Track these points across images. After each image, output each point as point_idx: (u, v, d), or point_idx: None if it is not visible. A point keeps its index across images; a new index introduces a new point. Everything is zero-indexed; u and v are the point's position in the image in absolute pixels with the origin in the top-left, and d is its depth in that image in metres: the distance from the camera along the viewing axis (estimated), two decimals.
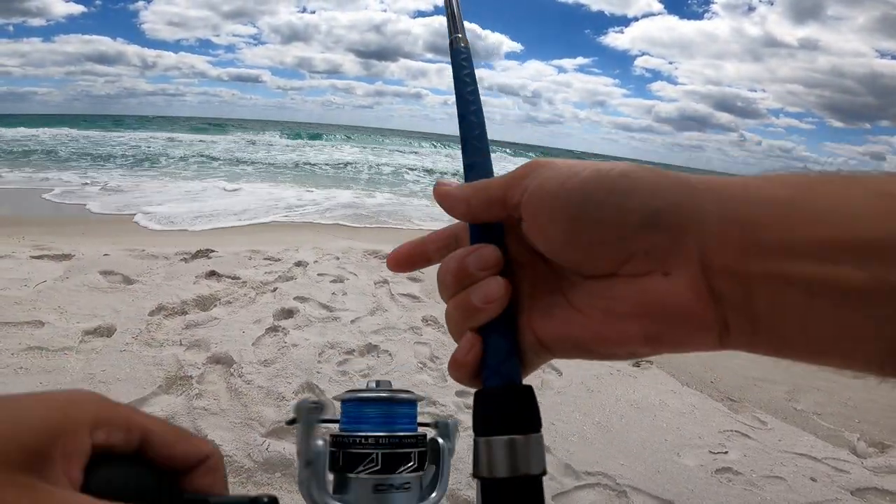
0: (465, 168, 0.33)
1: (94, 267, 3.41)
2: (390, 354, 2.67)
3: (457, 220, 0.33)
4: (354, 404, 0.39)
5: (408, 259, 0.35)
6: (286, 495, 1.71)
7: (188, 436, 0.32)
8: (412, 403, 0.40)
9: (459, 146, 0.34)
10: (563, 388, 2.66)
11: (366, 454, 0.37)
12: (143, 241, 4.54)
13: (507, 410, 0.29)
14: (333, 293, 3.35)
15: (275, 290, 3.32)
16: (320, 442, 0.38)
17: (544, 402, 2.55)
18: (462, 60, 0.36)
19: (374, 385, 0.40)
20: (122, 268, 3.43)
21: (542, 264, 0.31)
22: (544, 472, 0.28)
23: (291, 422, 0.38)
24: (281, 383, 2.30)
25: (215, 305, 3.02)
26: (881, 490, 2.10)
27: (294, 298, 3.18)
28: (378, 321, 3.02)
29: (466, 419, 2.32)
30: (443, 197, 0.32)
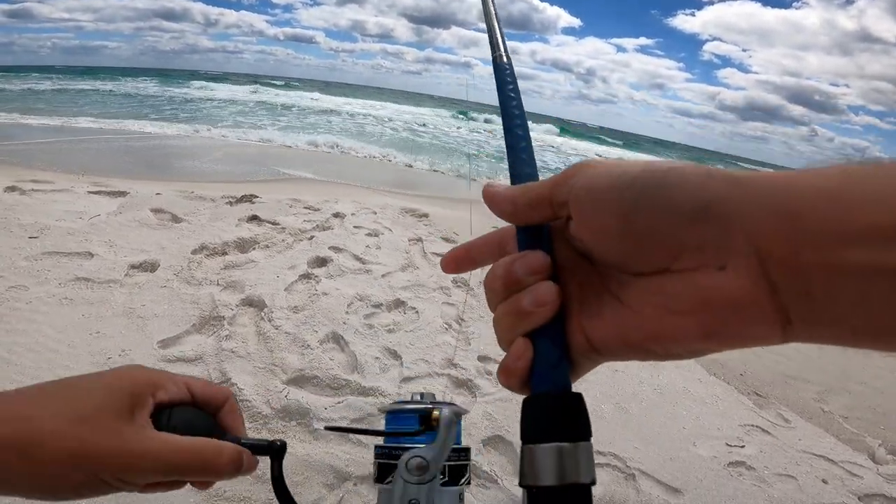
0: (511, 177, 0.34)
1: (145, 204, 3.56)
2: (417, 312, 2.69)
3: (505, 224, 0.34)
4: (394, 415, 0.43)
5: (456, 261, 0.36)
6: (298, 444, 1.78)
7: (212, 384, 0.45)
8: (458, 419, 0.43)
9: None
10: None
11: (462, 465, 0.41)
12: (203, 187, 4.70)
13: (555, 417, 0.28)
14: (367, 246, 3.38)
15: (311, 238, 3.38)
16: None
17: None
18: (506, 76, 0.36)
19: (418, 398, 0.42)
20: (171, 206, 3.57)
21: (588, 266, 0.31)
22: (594, 482, 0.27)
23: (329, 428, 0.52)
24: (308, 331, 2.36)
25: (254, 248, 3.11)
26: (889, 498, 2.03)
27: (329, 248, 3.23)
28: (408, 277, 3.04)
29: (486, 385, 2.30)
30: (490, 197, 0.32)
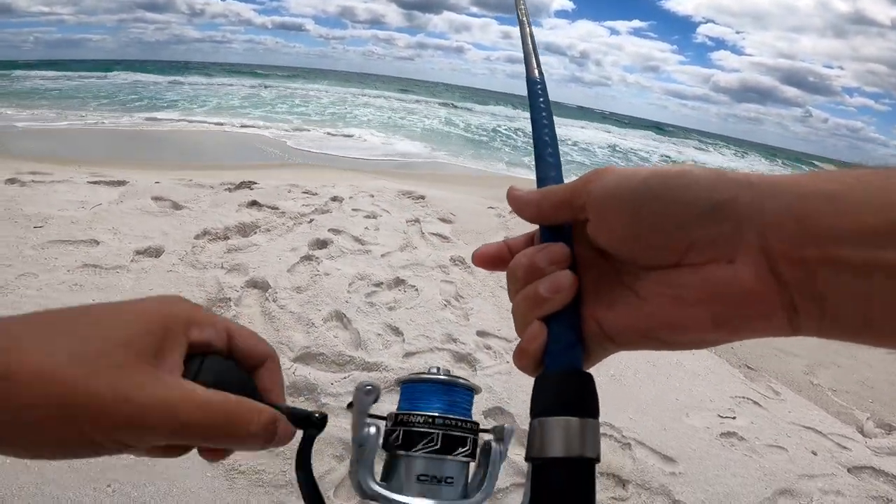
0: (537, 181, 0.36)
1: (146, 193, 3.61)
2: (416, 290, 2.77)
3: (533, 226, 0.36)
4: (414, 385, 0.41)
5: (490, 260, 0.37)
6: None
7: (256, 336, 0.38)
8: (469, 391, 0.42)
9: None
10: None
11: (426, 433, 0.38)
12: (204, 174, 4.74)
13: (565, 393, 0.30)
14: (366, 228, 3.45)
15: (311, 221, 3.44)
16: (373, 430, 0.38)
17: None
18: (537, 90, 0.40)
19: (434, 371, 0.41)
20: (171, 194, 3.62)
21: (604, 262, 0.33)
22: (598, 459, 0.29)
23: (349, 406, 0.39)
24: (311, 310, 2.44)
25: (255, 232, 3.18)
26: (877, 470, 2.09)
27: (329, 230, 3.30)
28: (407, 257, 3.11)
29: (485, 358, 2.35)
30: (514, 200, 0.35)
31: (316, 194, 4.01)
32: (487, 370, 2.29)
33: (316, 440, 0.38)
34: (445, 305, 2.70)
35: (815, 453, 2.13)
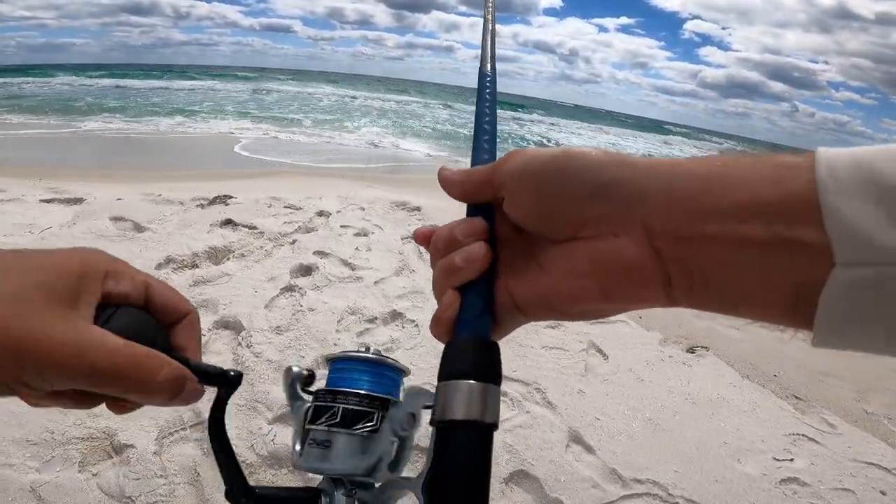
0: (471, 162, 0.38)
1: (104, 212, 3.19)
2: (417, 325, 2.37)
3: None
4: (335, 363, 0.43)
5: (425, 237, 0.38)
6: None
7: (175, 292, 0.38)
8: (391, 369, 0.43)
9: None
10: (609, 374, 2.36)
11: (328, 407, 0.40)
12: (177, 186, 4.31)
13: (469, 359, 0.31)
14: (357, 248, 3.04)
15: (293, 242, 3.04)
16: (300, 405, 0.42)
17: (589, 391, 2.24)
18: (486, 82, 0.42)
19: (364, 350, 0.43)
20: (134, 213, 3.20)
21: (520, 238, 0.35)
22: (496, 426, 0.29)
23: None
24: (293, 356, 2.04)
25: (228, 259, 2.76)
26: None
27: (314, 253, 2.90)
28: (404, 283, 2.71)
29: (502, 409, 2.03)
30: (442, 180, 0.36)
31: (300, 209, 3.59)
32: (506, 423, 1.94)
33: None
34: None
35: (883, 493, 1.90)
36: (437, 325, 0.33)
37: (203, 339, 2.00)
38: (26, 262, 0.31)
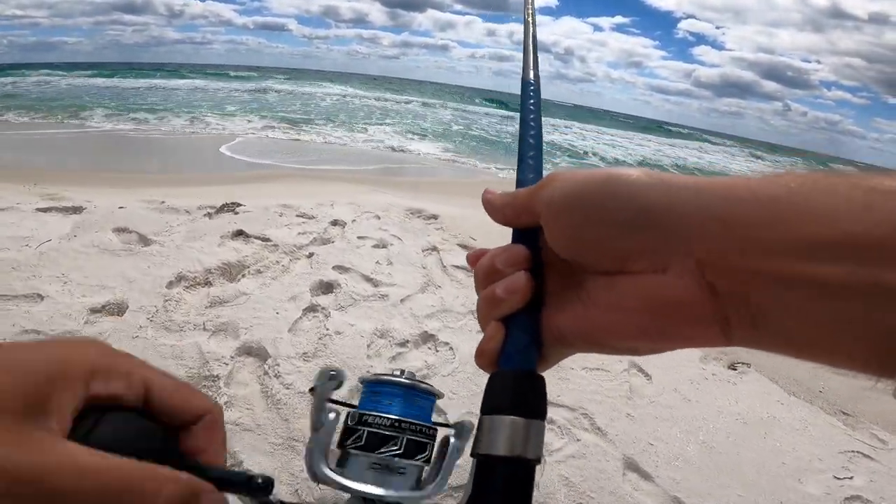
0: (517, 183, 0.36)
1: (106, 223, 2.99)
2: (451, 348, 2.22)
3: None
4: (376, 385, 0.43)
5: (474, 260, 0.36)
6: None
7: (189, 389, 0.30)
8: (431, 397, 0.43)
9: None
10: (655, 396, 2.25)
11: (391, 437, 0.39)
12: (176, 192, 4.11)
13: (514, 392, 0.30)
14: (377, 262, 2.88)
15: (310, 255, 2.87)
16: (332, 415, 0.40)
17: (637, 413, 2.13)
18: (530, 92, 0.40)
19: (398, 373, 0.43)
20: (138, 224, 3.01)
21: (566, 266, 0.32)
22: (538, 461, 0.29)
23: (312, 390, 0.41)
24: None
25: (243, 275, 2.59)
26: None
27: (333, 268, 2.73)
28: (432, 302, 2.56)
29: (551, 438, 1.91)
30: (486, 204, 0.35)
31: (313, 217, 3.42)
32: (556, 454, 1.83)
33: None
34: None
35: None
36: (480, 357, 0.33)
37: (227, 368, 1.82)
38: None
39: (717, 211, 0.25)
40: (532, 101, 0.39)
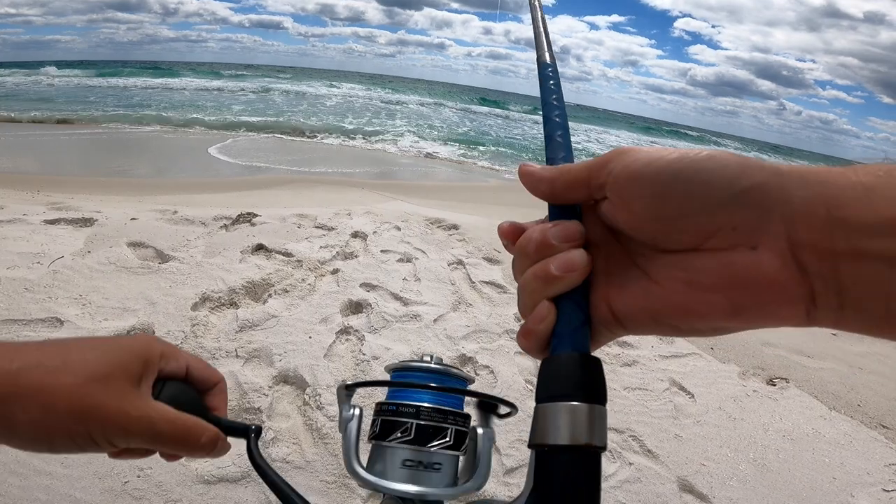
0: (547, 160, 0.35)
1: (120, 236, 2.87)
2: (491, 371, 2.15)
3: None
4: (402, 374, 0.43)
5: (510, 232, 0.34)
6: None
7: (209, 366, 0.47)
8: (462, 381, 0.42)
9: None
10: (700, 415, 2.20)
11: (401, 422, 0.39)
12: (195, 199, 3.99)
13: (573, 377, 0.28)
14: (405, 278, 2.79)
15: (335, 272, 2.77)
16: (355, 412, 0.42)
17: (685, 434, 2.07)
18: (548, 73, 0.39)
19: (428, 359, 0.43)
20: (153, 237, 2.89)
21: (616, 243, 0.32)
22: (604, 448, 0.27)
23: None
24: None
25: (269, 295, 2.48)
26: None
27: (360, 286, 2.64)
28: (465, 321, 2.48)
29: (606, 463, 1.85)
30: (527, 176, 0.33)
31: (332, 229, 3.32)
32: (612, 477, 1.79)
33: None
34: (532, 390, 2.10)
35: None
36: (526, 338, 0.31)
37: (266, 400, 1.73)
38: (106, 347, 0.40)
39: (817, 193, 0.25)
40: (552, 81, 0.38)
